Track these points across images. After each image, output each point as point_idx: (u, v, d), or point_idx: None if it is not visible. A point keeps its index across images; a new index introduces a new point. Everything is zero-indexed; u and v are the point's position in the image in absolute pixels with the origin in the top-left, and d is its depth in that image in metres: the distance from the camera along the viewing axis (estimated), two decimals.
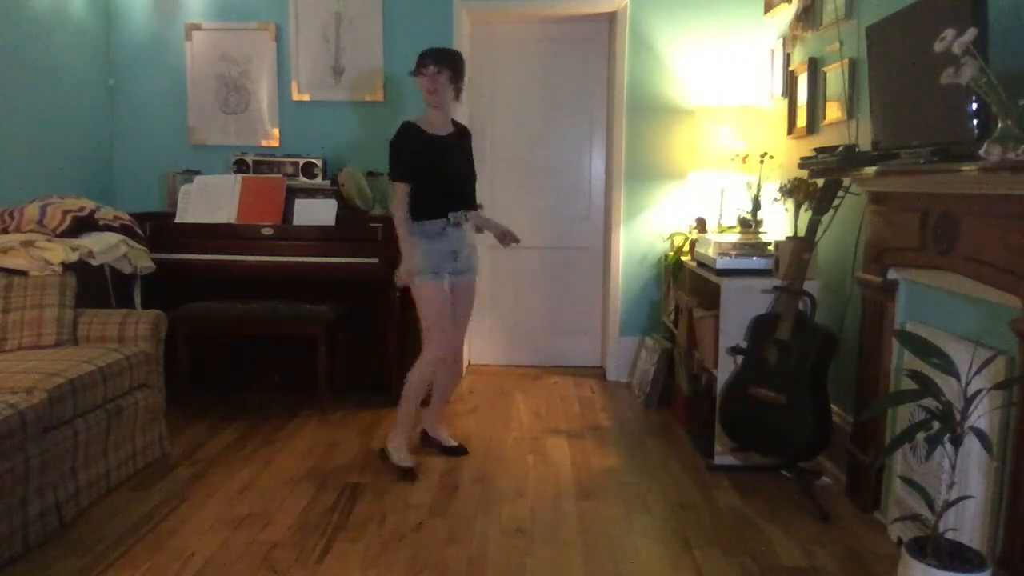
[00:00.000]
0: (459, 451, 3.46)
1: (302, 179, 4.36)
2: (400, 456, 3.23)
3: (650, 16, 4.51)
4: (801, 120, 3.73)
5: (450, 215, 3.21)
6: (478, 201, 3.50)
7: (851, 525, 2.76)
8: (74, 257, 3.43)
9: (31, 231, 3.48)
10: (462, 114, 4.67)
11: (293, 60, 4.62)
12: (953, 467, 2.01)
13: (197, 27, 4.65)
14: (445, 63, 3.17)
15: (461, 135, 3.36)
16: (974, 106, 2.08)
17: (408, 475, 3.17)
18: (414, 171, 3.16)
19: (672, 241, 4.45)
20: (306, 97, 4.62)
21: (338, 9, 4.58)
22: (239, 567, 2.44)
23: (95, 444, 2.87)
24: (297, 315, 3.93)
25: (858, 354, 2.98)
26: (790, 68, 3.92)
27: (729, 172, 4.13)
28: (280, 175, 4.32)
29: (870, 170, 2.61)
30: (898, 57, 2.50)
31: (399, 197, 3.16)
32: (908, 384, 2.19)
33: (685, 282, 4.03)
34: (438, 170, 3.20)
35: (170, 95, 4.71)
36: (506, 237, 3.45)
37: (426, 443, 3.53)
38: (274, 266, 4.07)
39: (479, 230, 3.57)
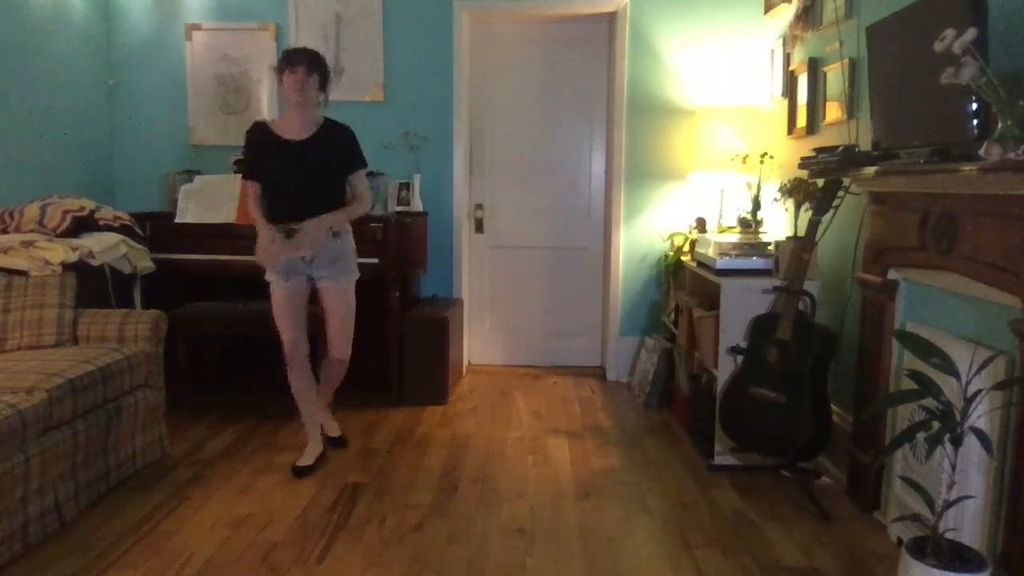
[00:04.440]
0: (337, 442, 3.55)
1: None
2: (331, 429, 3.57)
3: (650, 16, 4.51)
4: (801, 120, 3.72)
5: (278, 224, 3.07)
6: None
7: (851, 525, 2.76)
8: (74, 257, 3.43)
9: (31, 231, 3.48)
10: (463, 113, 4.69)
11: None
12: (953, 467, 2.01)
13: (197, 27, 4.65)
14: (317, 68, 3.11)
15: (326, 136, 3.15)
16: (974, 106, 2.08)
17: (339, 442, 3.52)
18: (258, 172, 3.13)
19: (672, 241, 4.44)
20: None
21: (338, 9, 4.58)
22: (239, 567, 2.44)
23: (95, 444, 2.87)
24: None
25: (858, 354, 2.98)
26: (790, 68, 3.92)
27: (729, 172, 4.12)
28: None
29: (870, 170, 2.61)
30: (898, 57, 2.50)
31: (244, 195, 3.18)
32: (908, 384, 2.19)
33: (685, 282, 4.03)
34: (276, 176, 3.11)
35: (170, 95, 4.72)
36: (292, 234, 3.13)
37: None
38: None
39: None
